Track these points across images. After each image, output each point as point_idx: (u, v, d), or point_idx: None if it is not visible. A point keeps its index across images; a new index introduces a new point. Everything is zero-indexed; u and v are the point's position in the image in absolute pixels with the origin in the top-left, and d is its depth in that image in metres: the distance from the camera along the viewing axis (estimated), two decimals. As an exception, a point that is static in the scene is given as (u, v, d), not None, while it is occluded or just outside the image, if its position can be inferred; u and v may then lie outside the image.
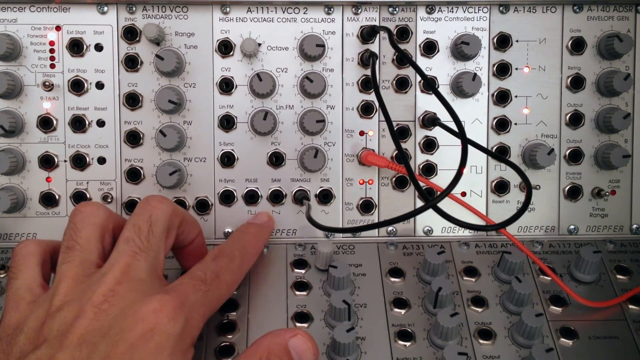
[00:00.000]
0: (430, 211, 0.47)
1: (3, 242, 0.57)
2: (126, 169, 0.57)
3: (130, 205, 0.57)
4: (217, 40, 0.57)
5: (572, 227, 0.59)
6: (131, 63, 0.56)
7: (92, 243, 0.44)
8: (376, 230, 0.58)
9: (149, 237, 0.44)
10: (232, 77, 0.57)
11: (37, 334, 0.39)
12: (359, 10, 0.57)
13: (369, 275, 0.54)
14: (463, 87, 0.56)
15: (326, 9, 0.57)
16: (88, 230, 0.44)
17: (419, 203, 0.59)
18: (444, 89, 0.58)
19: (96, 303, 0.39)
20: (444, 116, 0.56)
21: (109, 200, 0.57)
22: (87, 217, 0.45)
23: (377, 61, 0.57)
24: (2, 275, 0.54)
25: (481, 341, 0.49)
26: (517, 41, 0.58)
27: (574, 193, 0.59)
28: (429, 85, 0.54)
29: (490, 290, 0.53)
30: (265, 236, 0.55)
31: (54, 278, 0.43)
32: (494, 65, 0.58)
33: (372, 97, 0.58)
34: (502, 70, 0.58)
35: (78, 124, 0.57)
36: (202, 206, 0.58)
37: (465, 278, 0.54)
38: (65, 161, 0.57)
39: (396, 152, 0.58)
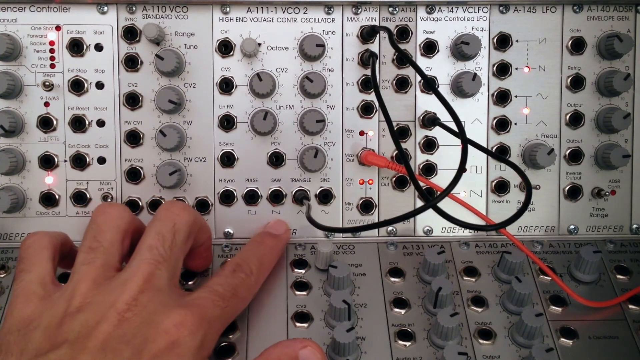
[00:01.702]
0: (430, 211, 0.47)
1: (3, 242, 0.57)
2: (126, 169, 0.57)
3: (131, 205, 0.57)
4: (217, 40, 0.57)
5: (572, 227, 0.59)
6: (131, 63, 0.56)
7: (115, 246, 0.44)
8: (376, 230, 0.58)
9: (171, 247, 0.44)
10: (232, 77, 0.57)
11: (55, 332, 0.39)
12: (359, 10, 0.57)
13: (369, 275, 0.54)
14: (463, 87, 0.56)
15: (326, 9, 0.57)
16: (112, 233, 0.44)
17: (419, 203, 0.59)
18: (444, 89, 0.58)
19: (120, 310, 0.39)
20: (444, 116, 0.56)
21: (109, 200, 0.57)
22: (112, 219, 0.45)
23: (377, 61, 0.57)
24: (2, 275, 0.54)
25: (481, 341, 0.49)
26: (517, 41, 0.58)
27: (574, 193, 0.59)
28: (429, 85, 0.54)
29: (490, 290, 0.53)
30: (282, 249, 0.54)
31: (71, 276, 0.42)
32: (494, 65, 0.58)
33: (372, 97, 0.58)
34: (502, 70, 0.58)
35: (78, 124, 0.57)
36: (202, 206, 0.58)
37: (465, 278, 0.54)
38: (65, 161, 0.57)
39: (396, 152, 0.58)
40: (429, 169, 0.58)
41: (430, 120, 0.57)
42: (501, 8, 0.57)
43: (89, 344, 0.37)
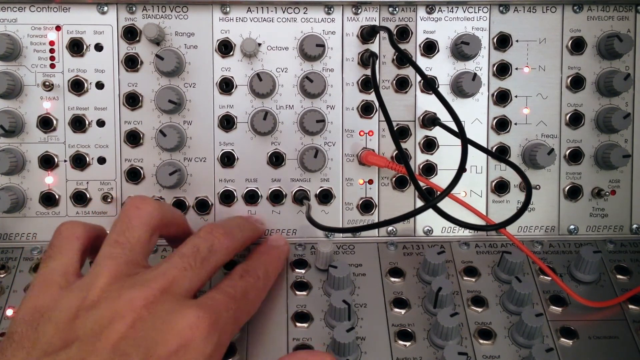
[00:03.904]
0: (430, 211, 0.47)
1: (3, 242, 0.57)
2: (126, 169, 0.57)
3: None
4: (217, 40, 0.57)
5: (572, 227, 0.59)
6: (131, 63, 0.56)
7: (141, 244, 0.44)
8: (376, 230, 0.58)
9: (203, 262, 0.44)
10: (232, 77, 0.57)
11: (68, 327, 0.38)
12: (359, 10, 0.57)
13: (369, 275, 0.54)
14: (463, 87, 0.56)
15: (326, 9, 0.57)
16: (142, 230, 0.44)
17: (419, 203, 0.59)
18: (444, 89, 0.58)
19: (136, 307, 0.38)
20: (444, 116, 0.56)
21: (109, 200, 0.57)
22: (144, 216, 0.44)
23: (377, 61, 0.57)
24: (2, 275, 0.54)
25: (481, 341, 0.49)
26: (517, 41, 0.58)
27: (574, 193, 0.59)
28: (429, 85, 0.54)
29: (490, 290, 0.53)
30: (284, 259, 0.54)
31: (92, 268, 0.42)
32: (494, 65, 0.58)
33: (372, 97, 0.58)
34: (502, 70, 0.58)
35: (78, 124, 0.57)
36: (202, 206, 0.58)
37: (465, 278, 0.54)
38: (65, 161, 0.57)
39: (396, 152, 0.58)
40: (429, 169, 0.58)
41: (430, 120, 0.57)
42: (501, 8, 0.57)
43: (98, 345, 0.37)
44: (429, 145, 0.58)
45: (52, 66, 0.56)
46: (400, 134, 0.58)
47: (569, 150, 0.59)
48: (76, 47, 0.56)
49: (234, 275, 0.47)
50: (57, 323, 0.38)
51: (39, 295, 0.41)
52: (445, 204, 0.47)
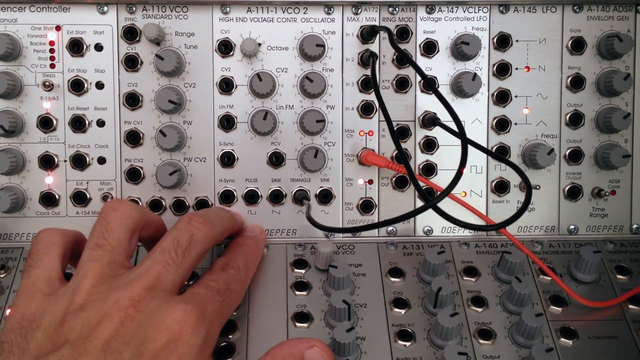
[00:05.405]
0: (430, 211, 0.47)
1: (3, 242, 0.57)
2: (126, 169, 0.57)
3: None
4: (217, 40, 0.57)
5: (572, 227, 0.59)
6: (131, 63, 0.56)
7: (122, 244, 0.44)
8: (376, 230, 0.58)
9: (185, 254, 0.44)
10: (232, 77, 0.57)
11: (57, 332, 0.38)
12: (359, 10, 0.57)
13: (369, 275, 0.54)
14: (463, 87, 0.56)
15: (326, 9, 0.57)
16: (120, 231, 0.44)
17: (419, 203, 0.59)
18: (444, 89, 0.58)
19: (122, 307, 0.39)
20: (444, 116, 0.56)
21: (109, 200, 0.57)
22: (121, 217, 0.45)
23: (377, 61, 0.57)
24: (2, 275, 0.54)
25: (481, 341, 0.49)
26: (517, 41, 0.58)
27: (574, 193, 0.59)
28: (429, 85, 0.54)
29: (490, 290, 0.53)
30: (261, 249, 0.55)
31: (76, 273, 0.42)
32: (494, 65, 0.58)
33: (372, 97, 0.58)
34: (502, 70, 0.58)
35: (78, 124, 0.57)
36: (202, 206, 0.58)
37: (465, 278, 0.54)
38: (65, 161, 0.57)
39: (396, 152, 0.58)
40: (429, 169, 0.58)
41: (430, 120, 0.57)
42: (501, 8, 0.57)
43: (90, 345, 0.37)
44: (429, 145, 0.58)
45: (52, 66, 0.56)
46: (400, 134, 0.58)
47: (569, 150, 0.59)
48: (76, 47, 0.56)
49: (215, 269, 0.47)
50: (45, 329, 0.39)
51: (26, 304, 0.41)
52: (445, 204, 0.47)
